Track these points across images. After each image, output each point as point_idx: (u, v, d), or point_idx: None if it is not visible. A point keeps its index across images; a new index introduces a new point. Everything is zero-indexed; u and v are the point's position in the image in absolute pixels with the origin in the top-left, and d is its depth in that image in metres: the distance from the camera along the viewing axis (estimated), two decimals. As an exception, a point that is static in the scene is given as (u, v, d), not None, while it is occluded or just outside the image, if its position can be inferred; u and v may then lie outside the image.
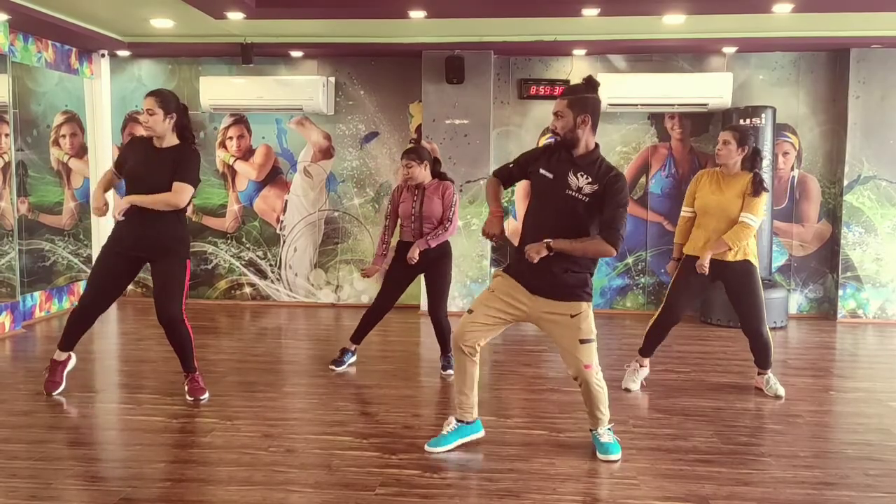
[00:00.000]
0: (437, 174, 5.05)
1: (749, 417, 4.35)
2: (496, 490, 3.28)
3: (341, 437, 3.92)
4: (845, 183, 7.12)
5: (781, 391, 4.70)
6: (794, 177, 7.33)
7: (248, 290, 7.86)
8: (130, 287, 7.87)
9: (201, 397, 4.49)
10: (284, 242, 7.79)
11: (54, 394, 4.55)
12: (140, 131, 7.76)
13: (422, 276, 5.17)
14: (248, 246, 7.83)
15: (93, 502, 3.15)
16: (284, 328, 6.86)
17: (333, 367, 5.16)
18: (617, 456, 3.62)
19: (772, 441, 3.95)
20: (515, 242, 3.83)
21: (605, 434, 3.68)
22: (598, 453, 3.64)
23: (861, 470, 3.54)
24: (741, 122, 6.87)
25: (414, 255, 4.88)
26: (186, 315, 4.45)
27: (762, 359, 4.76)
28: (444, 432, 3.75)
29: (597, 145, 3.59)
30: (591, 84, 3.56)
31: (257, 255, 7.82)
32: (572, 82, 7.32)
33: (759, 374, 4.83)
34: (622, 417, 4.23)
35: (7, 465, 3.51)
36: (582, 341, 3.53)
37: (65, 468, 3.49)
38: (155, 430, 4.00)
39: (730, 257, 4.55)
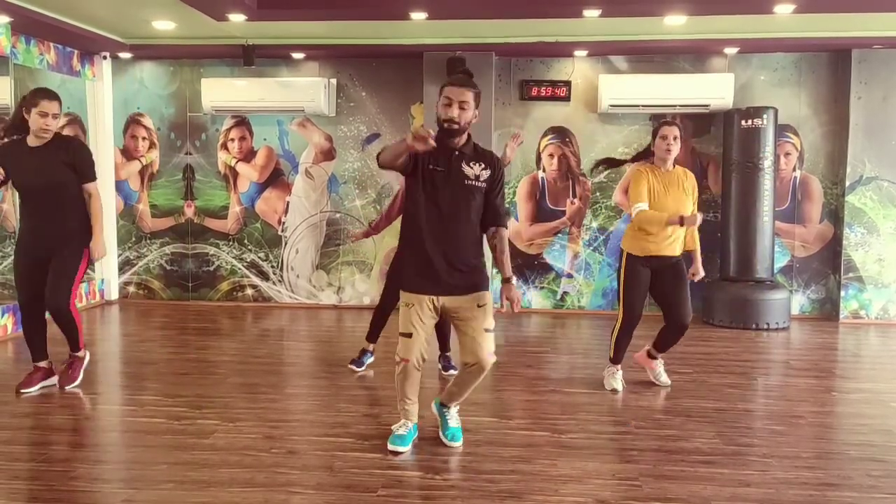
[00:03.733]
0: None
1: (751, 418, 4.35)
2: (498, 491, 3.28)
3: (343, 439, 3.92)
4: (847, 184, 7.11)
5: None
6: (795, 177, 7.32)
7: (249, 291, 7.86)
8: (132, 289, 7.92)
9: (66, 387, 4.59)
10: (286, 244, 7.80)
11: (22, 391, 4.60)
12: (142, 133, 7.81)
13: None
14: (249, 247, 7.83)
15: (95, 504, 3.16)
16: (286, 330, 6.86)
17: (354, 368, 5.18)
18: (460, 443, 3.75)
19: (774, 442, 3.95)
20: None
21: (455, 418, 3.83)
22: (443, 434, 3.79)
23: (864, 471, 3.54)
24: (742, 123, 6.88)
25: None
26: (74, 304, 4.56)
27: (668, 345, 4.89)
28: (402, 433, 3.78)
29: (469, 134, 3.64)
30: (463, 65, 3.71)
31: (259, 257, 7.83)
32: (574, 83, 7.37)
33: (650, 356, 4.95)
34: (624, 418, 4.23)
35: (9, 466, 3.52)
36: (487, 330, 3.60)
37: (67, 470, 3.49)
38: (157, 432, 4.00)
39: (676, 252, 4.67)
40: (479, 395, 4.75)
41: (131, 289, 7.99)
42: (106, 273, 7.79)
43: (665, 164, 4.64)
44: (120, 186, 7.87)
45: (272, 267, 7.83)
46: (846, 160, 7.10)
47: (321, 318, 7.25)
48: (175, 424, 4.12)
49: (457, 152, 3.55)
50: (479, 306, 3.59)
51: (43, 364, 4.73)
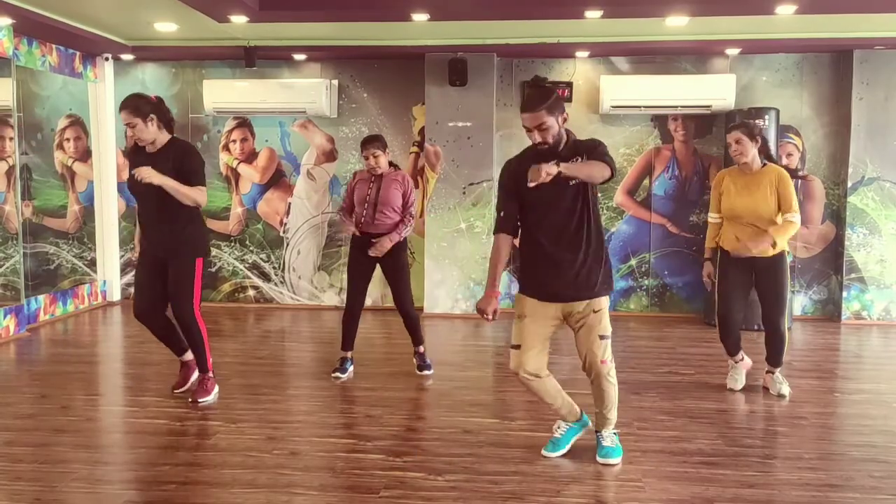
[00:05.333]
0: (391, 163, 5.11)
1: (753, 419, 4.34)
2: (500, 492, 3.28)
3: (345, 440, 3.92)
4: (849, 184, 7.11)
5: (786, 390, 4.71)
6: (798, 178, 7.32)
7: (251, 292, 7.86)
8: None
9: (200, 399, 4.50)
10: (288, 245, 7.80)
11: (176, 391, 4.68)
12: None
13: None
14: (251, 249, 7.84)
15: (97, 505, 3.16)
16: (288, 331, 6.86)
17: (338, 375, 5.12)
18: (616, 460, 3.60)
19: (776, 443, 3.95)
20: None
21: (609, 438, 3.67)
22: (597, 456, 3.63)
23: (866, 472, 3.54)
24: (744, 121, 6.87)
25: (383, 247, 4.91)
26: (199, 314, 4.52)
27: (775, 355, 4.76)
28: (557, 436, 3.73)
29: (568, 131, 3.55)
30: (543, 82, 3.54)
31: (261, 258, 7.83)
32: (575, 84, 7.37)
33: (767, 371, 4.84)
34: (626, 420, 4.22)
35: (12, 468, 3.52)
36: (601, 337, 3.52)
37: (69, 471, 3.49)
38: (159, 433, 4.00)
39: (770, 253, 4.57)
40: (480, 396, 4.76)
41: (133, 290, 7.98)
42: (108, 274, 7.81)
43: (748, 166, 4.63)
44: (122, 188, 7.86)
45: (274, 268, 7.84)
46: (848, 161, 7.09)
47: (323, 319, 7.25)
48: (177, 425, 4.12)
49: (555, 158, 3.40)
50: (594, 312, 3.49)
51: (187, 358, 4.74)
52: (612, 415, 3.66)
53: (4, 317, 6.19)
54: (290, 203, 7.76)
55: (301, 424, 4.19)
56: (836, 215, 7.28)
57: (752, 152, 4.59)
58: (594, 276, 3.48)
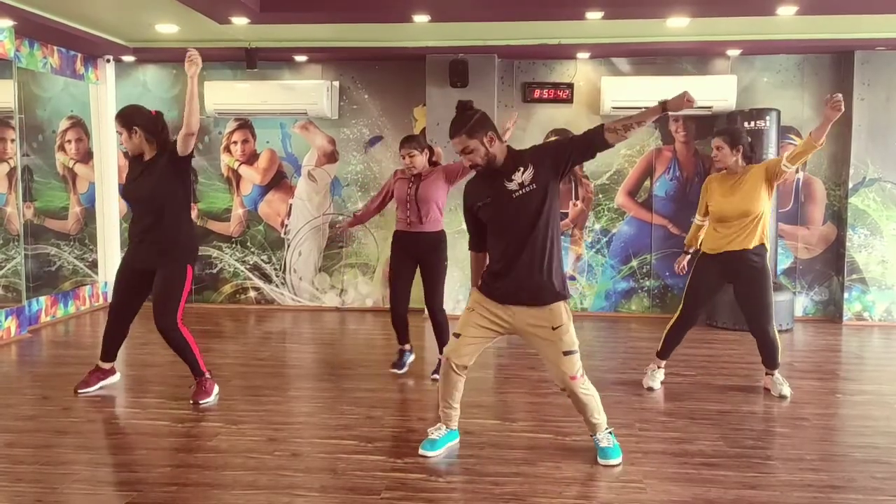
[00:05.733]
0: (431, 162, 5.15)
1: (755, 420, 4.34)
2: (501, 494, 3.28)
3: (346, 441, 3.92)
4: (850, 185, 7.10)
5: (787, 391, 4.71)
6: (798, 179, 7.31)
7: (252, 294, 7.86)
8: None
9: (200, 401, 4.50)
10: (289, 246, 7.80)
11: (80, 392, 4.69)
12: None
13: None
14: (252, 250, 7.84)
15: (98, 507, 3.16)
16: (289, 332, 6.86)
17: (395, 371, 5.21)
18: (616, 461, 3.61)
19: (778, 444, 3.94)
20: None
21: (605, 438, 3.68)
22: (598, 458, 3.64)
23: (868, 473, 3.53)
24: (745, 125, 6.85)
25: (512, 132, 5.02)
26: (182, 322, 4.52)
27: (769, 359, 4.78)
28: (435, 437, 3.78)
29: (508, 146, 3.58)
30: (465, 107, 3.54)
31: (262, 260, 7.83)
32: (576, 86, 7.37)
33: (766, 374, 4.85)
34: (628, 421, 4.22)
35: (12, 469, 3.52)
36: (565, 353, 3.52)
37: (70, 472, 3.49)
38: (160, 435, 4.00)
39: (747, 244, 4.60)
40: (481, 397, 4.76)
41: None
42: (109, 276, 7.80)
43: (730, 169, 4.66)
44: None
45: (275, 269, 7.84)
46: (849, 162, 7.09)
47: (324, 321, 7.25)
48: (178, 427, 4.12)
49: (498, 176, 3.49)
50: (553, 329, 3.51)
51: (106, 367, 4.81)
52: (598, 418, 3.69)
53: (6, 318, 6.19)
54: (291, 204, 7.76)
55: (302, 426, 4.19)
56: (838, 216, 7.28)
57: (731, 160, 4.63)
58: (537, 286, 3.49)
